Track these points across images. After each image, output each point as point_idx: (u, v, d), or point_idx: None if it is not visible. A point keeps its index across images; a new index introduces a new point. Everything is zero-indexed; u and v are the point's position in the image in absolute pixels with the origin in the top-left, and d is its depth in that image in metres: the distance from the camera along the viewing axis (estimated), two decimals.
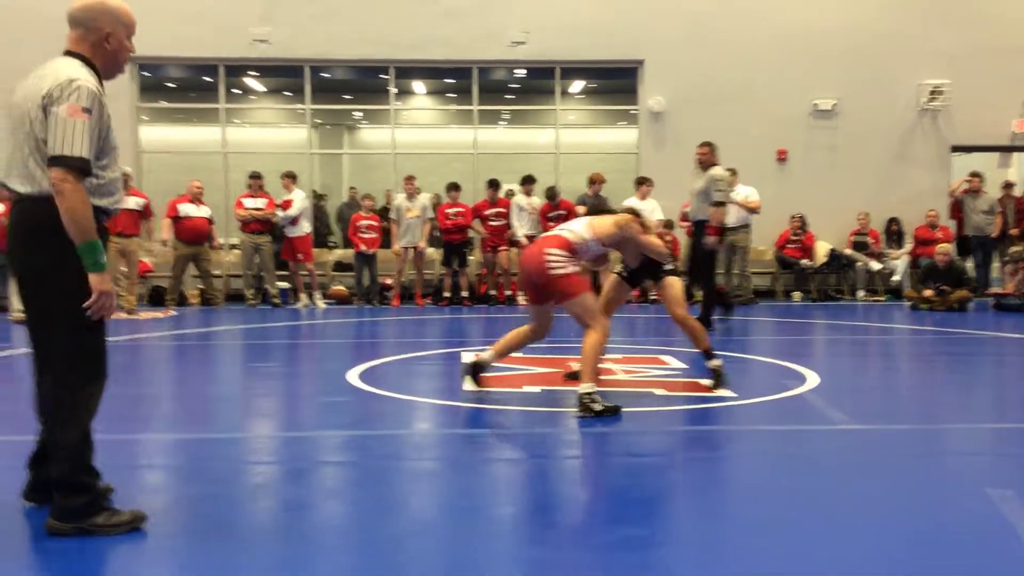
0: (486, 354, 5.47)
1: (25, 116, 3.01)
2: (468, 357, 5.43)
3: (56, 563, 2.87)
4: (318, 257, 13.40)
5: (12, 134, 3.07)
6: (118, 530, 3.04)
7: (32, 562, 2.90)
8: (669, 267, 5.83)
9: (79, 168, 2.92)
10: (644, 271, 5.84)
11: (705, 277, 9.33)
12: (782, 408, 5.40)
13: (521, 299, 11.62)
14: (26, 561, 2.90)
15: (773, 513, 3.39)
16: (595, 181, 12.35)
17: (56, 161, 2.91)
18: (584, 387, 5.01)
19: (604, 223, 5.34)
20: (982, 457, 4.39)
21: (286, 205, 12.22)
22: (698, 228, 9.24)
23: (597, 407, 4.95)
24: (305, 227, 12.43)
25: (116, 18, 3.17)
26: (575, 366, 6.58)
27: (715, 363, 5.81)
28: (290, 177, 12.44)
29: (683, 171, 12.64)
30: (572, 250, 5.14)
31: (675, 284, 5.82)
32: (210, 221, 12.17)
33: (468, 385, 5.58)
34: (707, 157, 9.27)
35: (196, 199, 12.05)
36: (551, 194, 12.53)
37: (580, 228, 5.27)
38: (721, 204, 9.01)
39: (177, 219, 11.95)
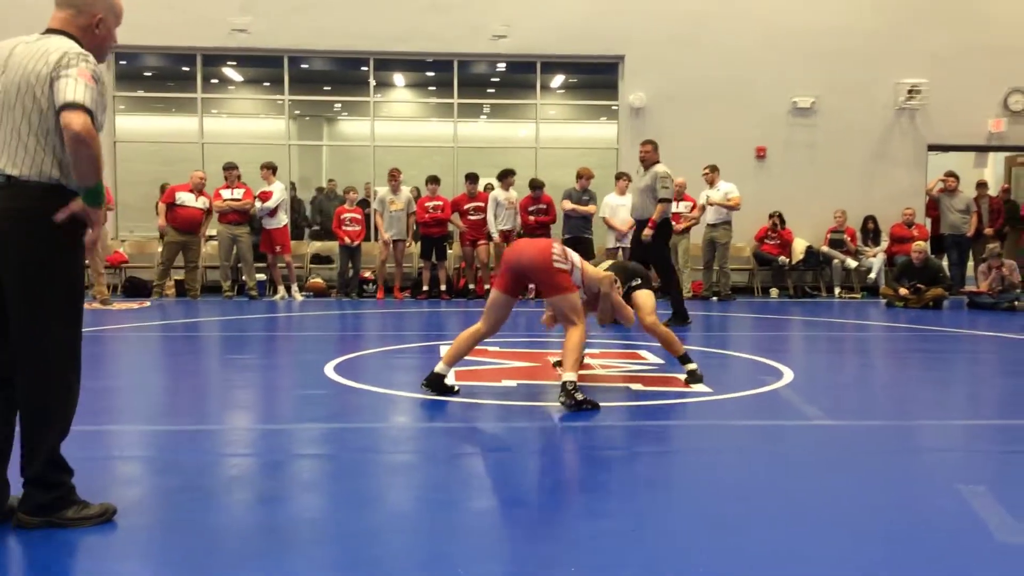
0: (439, 366, 5.40)
1: (25, 93, 2.89)
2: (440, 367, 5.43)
3: (27, 559, 2.83)
4: (296, 249, 13.33)
5: (2, 110, 2.92)
6: (87, 523, 3.00)
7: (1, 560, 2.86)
8: (636, 283, 5.93)
9: (92, 116, 2.86)
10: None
11: (663, 273, 9.30)
12: (757, 404, 5.43)
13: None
14: None
15: (747, 508, 3.40)
16: (583, 176, 12.34)
17: (75, 106, 2.82)
18: (567, 376, 5.05)
19: (594, 270, 5.53)
20: (954, 453, 4.43)
21: (265, 196, 12.14)
22: (641, 228, 9.25)
23: (579, 396, 4.99)
24: (283, 219, 12.36)
25: (109, 5, 3.13)
26: (552, 360, 6.60)
27: (691, 366, 5.85)
28: (270, 169, 12.36)
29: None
30: (566, 258, 5.29)
31: (646, 295, 5.92)
32: (207, 212, 12.10)
33: (448, 377, 5.54)
34: (651, 155, 9.32)
35: (197, 189, 11.99)
36: (535, 185, 12.49)
37: (575, 257, 5.43)
38: (667, 201, 9.10)
39: (172, 206, 11.88)
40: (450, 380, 5.47)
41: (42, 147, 2.90)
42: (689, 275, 12.64)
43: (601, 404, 5.06)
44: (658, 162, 9.31)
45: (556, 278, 5.19)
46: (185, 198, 11.93)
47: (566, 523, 3.29)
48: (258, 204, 12.13)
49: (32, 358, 2.94)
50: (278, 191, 12.23)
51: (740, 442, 4.58)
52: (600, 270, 5.60)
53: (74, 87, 2.83)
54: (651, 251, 9.15)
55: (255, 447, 4.45)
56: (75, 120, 2.80)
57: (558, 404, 5.02)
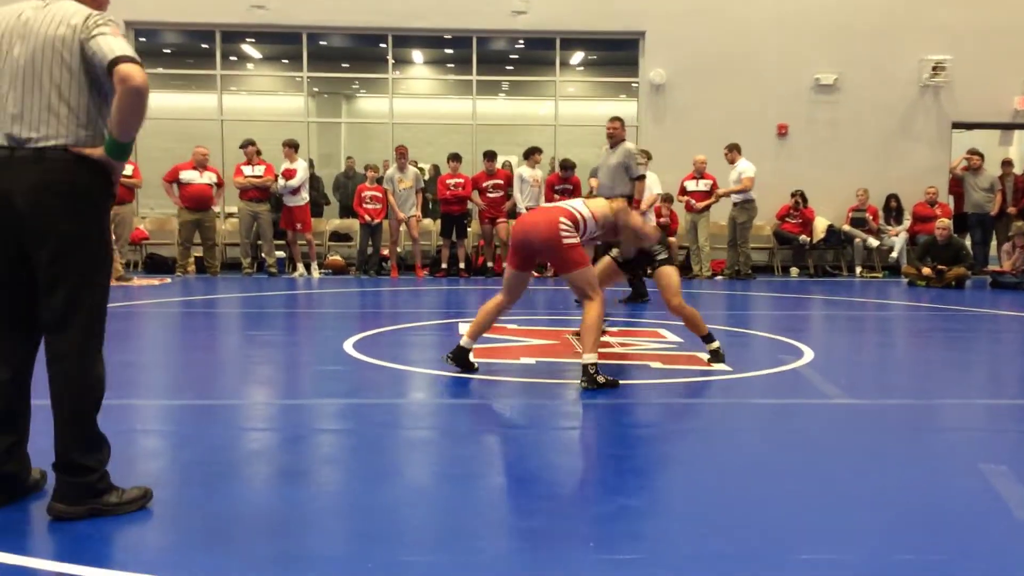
0: (464, 340, 5.38)
1: (52, 60, 2.82)
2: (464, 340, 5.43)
3: (49, 535, 2.86)
4: (315, 226, 13.35)
5: (14, 78, 2.85)
6: (131, 507, 2.95)
7: (33, 544, 2.89)
8: (663, 256, 5.79)
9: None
10: (638, 260, 5.85)
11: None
12: (778, 382, 5.41)
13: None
14: (26, 544, 2.88)
15: (767, 486, 3.39)
16: None
17: (129, 59, 2.76)
18: (588, 358, 4.98)
19: (599, 204, 5.33)
20: (976, 433, 4.40)
21: (289, 174, 12.14)
22: None
23: (600, 379, 4.95)
24: (305, 196, 12.37)
25: None
26: (569, 335, 6.60)
27: (714, 345, 5.79)
28: (292, 146, 12.35)
29: (683, 145, 12.66)
30: (576, 225, 5.13)
31: (670, 274, 5.77)
32: (216, 185, 12.11)
33: (459, 370, 5.52)
34: (619, 132, 9.16)
35: (200, 166, 12.01)
36: (565, 164, 12.42)
37: (579, 206, 5.25)
38: (643, 178, 9.03)
39: (178, 184, 11.93)
40: (471, 357, 5.46)
41: (75, 114, 2.85)
42: (709, 254, 12.57)
43: (621, 382, 5.05)
44: (624, 139, 9.20)
45: (568, 254, 5.08)
46: (189, 176, 11.94)
47: (584, 499, 3.29)
48: (281, 181, 12.12)
49: (70, 334, 2.87)
50: (301, 169, 12.24)
51: (759, 421, 4.57)
52: (606, 201, 5.41)
53: (117, 43, 2.80)
54: None
55: (275, 422, 4.48)
56: (135, 72, 2.74)
57: (577, 382, 5.02)
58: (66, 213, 2.84)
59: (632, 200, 9.12)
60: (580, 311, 5.31)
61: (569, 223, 5.08)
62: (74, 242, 2.85)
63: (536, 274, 5.49)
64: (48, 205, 2.83)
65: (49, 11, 2.89)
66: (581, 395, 4.86)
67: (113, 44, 2.79)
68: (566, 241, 5.06)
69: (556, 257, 5.17)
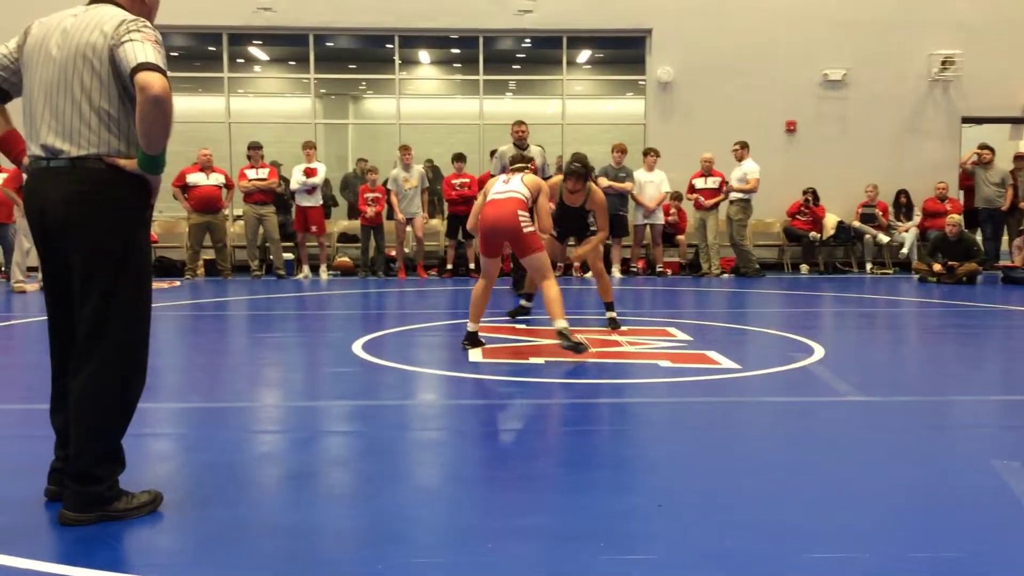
0: (470, 325, 6.07)
1: (83, 68, 2.77)
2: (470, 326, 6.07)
3: (62, 537, 2.86)
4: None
5: (49, 87, 2.82)
6: (141, 512, 2.94)
7: (42, 547, 2.89)
8: (595, 228, 7.00)
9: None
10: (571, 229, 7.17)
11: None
12: (788, 380, 5.38)
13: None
14: (35, 548, 2.88)
15: (778, 484, 3.37)
16: (616, 150, 12.18)
17: (150, 66, 2.67)
18: (559, 323, 5.69)
19: (532, 179, 6.16)
20: (988, 429, 4.37)
21: (311, 173, 12.15)
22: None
23: (575, 337, 5.67)
24: (320, 198, 12.40)
25: None
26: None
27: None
28: (312, 147, 12.41)
29: (691, 142, 12.62)
30: (527, 210, 5.94)
31: (594, 240, 7.01)
32: (225, 187, 12.13)
33: (474, 354, 5.73)
34: (527, 135, 9.12)
35: (206, 168, 12.04)
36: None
37: (520, 188, 6.01)
38: (550, 178, 9.17)
39: (186, 188, 11.96)
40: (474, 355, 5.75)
41: (105, 124, 2.81)
42: (718, 251, 12.51)
43: (629, 381, 5.05)
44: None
45: (529, 240, 5.90)
46: (196, 178, 11.98)
47: (594, 499, 3.27)
48: (303, 178, 12.12)
49: (97, 347, 2.84)
50: (322, 169, 12.30)
51: (770, 419, 4.55)
52: (534, 177, 6.24)
53: (143, 50, 2.72)
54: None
55: (285, 424, 4.47)
56: (155, 81, 2.66)
57: (586, 381, 5.01)
58: (97, 224, 2.81)
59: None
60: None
61: (524, 213, 5.91)
62: (104, 254, 2.83)
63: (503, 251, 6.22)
64: (79, 215, 2.81)
65: (87, 17, 2.85)
66: (589, 395, 4.83)
67: (138, 51, 2.72)
68: (525, 230, 5.89)
69: (517, 243, 5.96)
